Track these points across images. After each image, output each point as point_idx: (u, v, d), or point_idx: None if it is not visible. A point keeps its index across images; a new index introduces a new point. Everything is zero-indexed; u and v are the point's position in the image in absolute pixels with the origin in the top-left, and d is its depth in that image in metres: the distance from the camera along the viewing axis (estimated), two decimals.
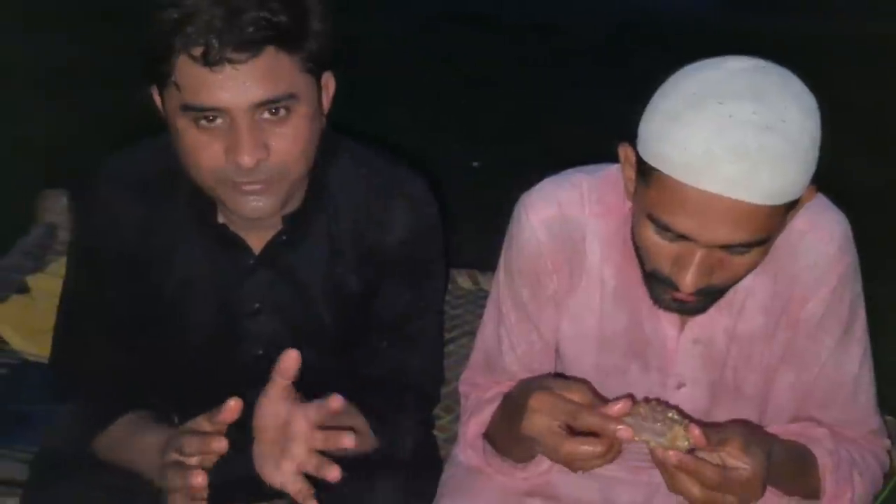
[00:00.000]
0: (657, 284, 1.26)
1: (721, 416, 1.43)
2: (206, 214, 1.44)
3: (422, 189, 1.51)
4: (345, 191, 1.47)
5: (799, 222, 1.30)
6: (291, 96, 1.29)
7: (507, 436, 1.39)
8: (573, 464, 1.21)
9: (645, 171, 1.21)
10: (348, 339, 1.53)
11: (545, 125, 4.38)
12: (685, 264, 1.20)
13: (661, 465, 1.17)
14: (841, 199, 1.39)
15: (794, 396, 1.41)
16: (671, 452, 1.15)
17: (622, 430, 1.15)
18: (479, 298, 2.29)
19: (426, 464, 1.61)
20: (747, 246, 1.19)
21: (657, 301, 1.28)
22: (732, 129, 1.12)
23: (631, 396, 1.21)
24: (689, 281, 1.20)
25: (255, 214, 1.35)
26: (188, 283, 1.48)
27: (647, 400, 1.22)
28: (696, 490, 1.17)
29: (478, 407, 1.47)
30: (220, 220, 1.45)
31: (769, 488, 1.38)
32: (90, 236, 1.49)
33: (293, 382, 1.22)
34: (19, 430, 1.81)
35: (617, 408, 1.17)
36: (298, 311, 1.50)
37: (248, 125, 1.27)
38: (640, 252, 1.27)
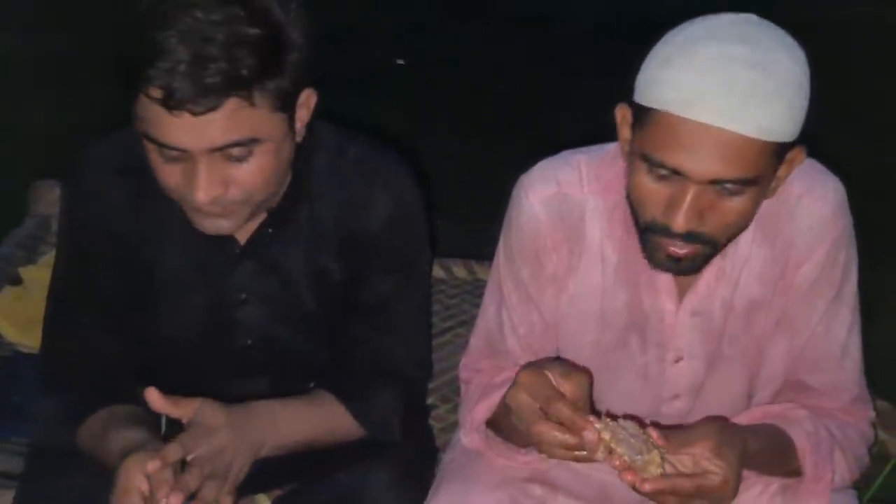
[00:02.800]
0: (652, 238, 1.27)
1: (713, 386, 1.44)
2: None
3: (404, 175, 1.49)
4: (327, 177, 1.46)
5: (795, 186, 1.34)
6: (253, 140, 1.27)
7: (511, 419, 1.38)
8: (540, 445, 1.22)
9: (639, 116, 1.24)
10: (334, 325, 1.51)
11: (540, 116, 4.37)
12: (677, 203, 1.22)
13: (629, 483, 1.18)
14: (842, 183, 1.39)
15: (787, 362, 1.42)
16: (645, 484, 1.17)
17: (589, 433, 1.17)
18: (476, 288, 2.29)
19: (422, 453, 1.61)
20: (737, 183, 1.20)
21: (652, 260, 1.29)
22: (722, 66, 1.17)
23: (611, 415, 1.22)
24: (680, 219, 1.22)
25: (218, 233, 1.35)
26: (177, 271, 1.47)
27: (626, 417, 1.24)
28: (672, 501, 1.20)
29: (487, 391, 1.46)
30: None
31: (750, 472, 1.38)
32: (77, 223, 1.48)
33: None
34: (14, 422, 1.80)
35: (592, 417, 1.19)
36: (284, 300, 1.49)
37: (206, 164, 1.26)
38: (634, 207, 1.29)
